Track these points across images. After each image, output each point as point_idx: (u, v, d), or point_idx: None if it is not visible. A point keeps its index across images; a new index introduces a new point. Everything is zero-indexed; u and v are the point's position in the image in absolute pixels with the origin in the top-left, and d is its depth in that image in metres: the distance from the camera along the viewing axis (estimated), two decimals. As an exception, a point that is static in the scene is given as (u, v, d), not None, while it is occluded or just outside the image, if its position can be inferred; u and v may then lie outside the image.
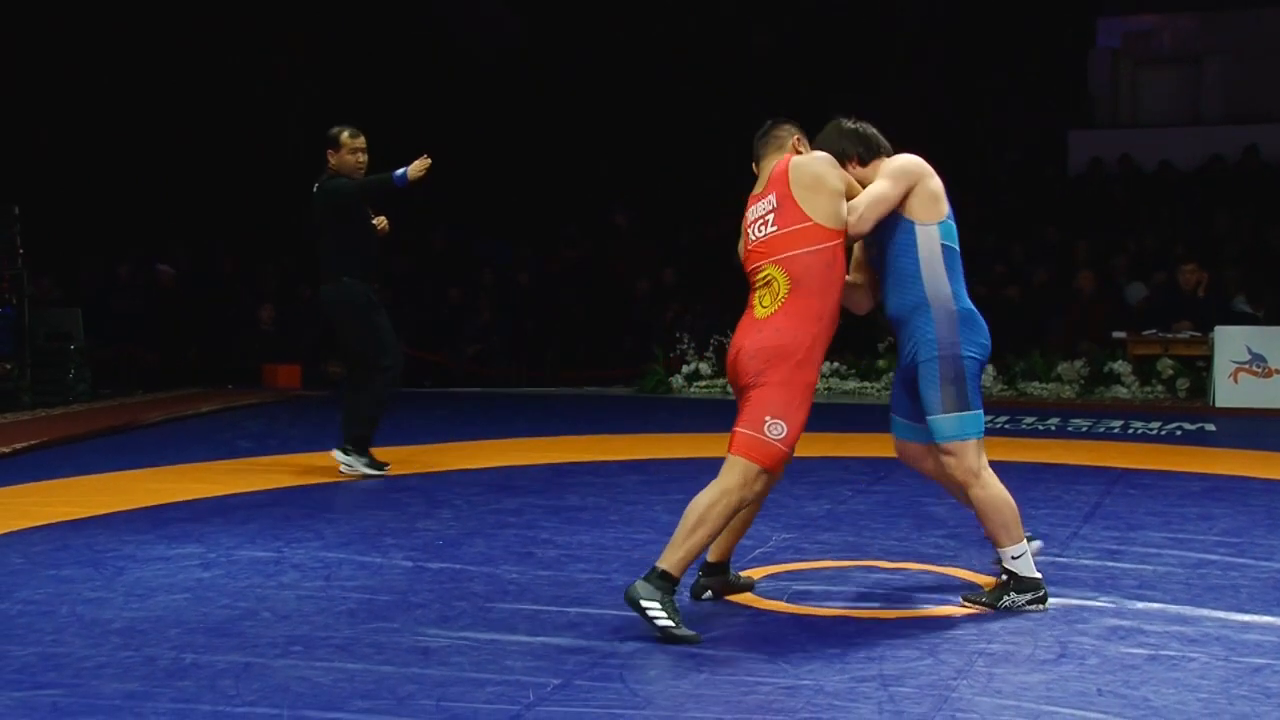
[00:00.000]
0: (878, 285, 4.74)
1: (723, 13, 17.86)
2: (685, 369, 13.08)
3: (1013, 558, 4.52)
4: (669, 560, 4.35)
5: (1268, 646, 4.13)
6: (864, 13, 17.73)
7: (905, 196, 4.52)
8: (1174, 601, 4.67)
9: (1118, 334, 12.40)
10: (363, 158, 7.49)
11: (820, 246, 4.43)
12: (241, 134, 16.64)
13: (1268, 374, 11.42)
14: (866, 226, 4.49)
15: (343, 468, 7.51)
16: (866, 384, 12.51)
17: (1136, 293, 13.19)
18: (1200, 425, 10.21)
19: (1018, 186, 16.76)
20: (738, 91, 17.69)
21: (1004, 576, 4.58)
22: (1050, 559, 5.32)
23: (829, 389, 12.18)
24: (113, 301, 14.20)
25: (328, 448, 7.89)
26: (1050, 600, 4.64)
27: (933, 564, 5.32)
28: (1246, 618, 4.47)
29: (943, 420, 4.49)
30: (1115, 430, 9.90)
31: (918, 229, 4.54)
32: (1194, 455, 8.61)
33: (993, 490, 4.50)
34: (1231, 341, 11.54)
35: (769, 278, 4.50)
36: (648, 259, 15.62)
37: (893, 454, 6.06)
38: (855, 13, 17.72)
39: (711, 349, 13.04)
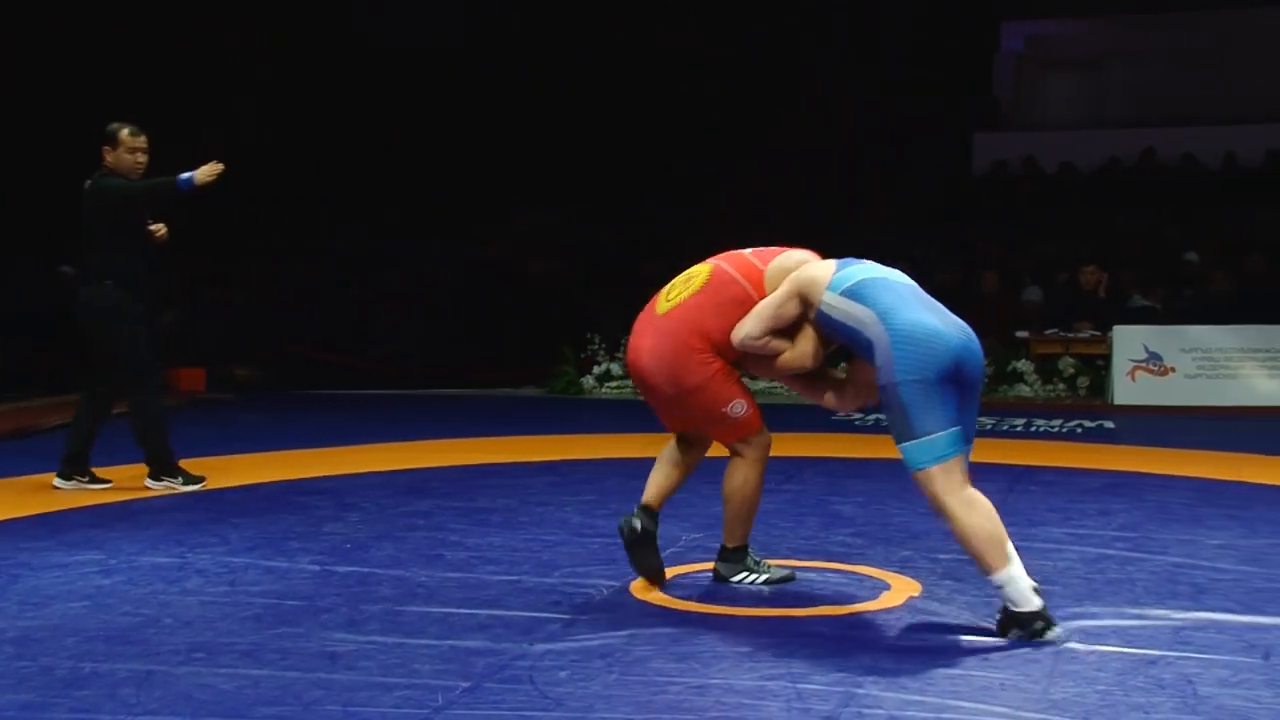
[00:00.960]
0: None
1: (633, 14, 17.90)
2: (596, 369, 13.11)
3: (997, 586, 4.21)
4: (731, 537, 4.94)
5: (1162, 639, 4.23)
6: (772, 17, 17.86)
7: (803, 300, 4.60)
8: (1073, 596, 4.76)
9: (1021, 333, 12.63)
10: (142, 158, 7.12)
11: (749, 284, 4.75)
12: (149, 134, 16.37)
13: (1163, 372, 11.71)
14: (747, 333, 4.62)
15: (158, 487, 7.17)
16: (775, 384, 12.60)
17: (1033, 295, 13.45)
18: (1100, 422, 10.43)
19: (924, 187, 17.01)
20: (650, 92, 17.76)
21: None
22: (955, 555, 5.40)
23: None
24: (11, 303, 13.89)
25: (233, 451, 7.80)
26: (957, 597, 4.71)
27: (841, 562, 5.37)
28: (1142, 611, 4.57)
29: (902, 450, 4.29)
30: (1018, 428, 10.07)
31: (824, 306, 4.52)
32: (1093, 452, 8.79)
33: (960, 520, 4.18)
34: (1129, 340, 11.81)
35: (693, 274, 4.88)
36: (558, 259, 15.62)
37: (801, 453, 6.11)
38: (765, 16, 17.85)
39: (622, 349, 13.07)
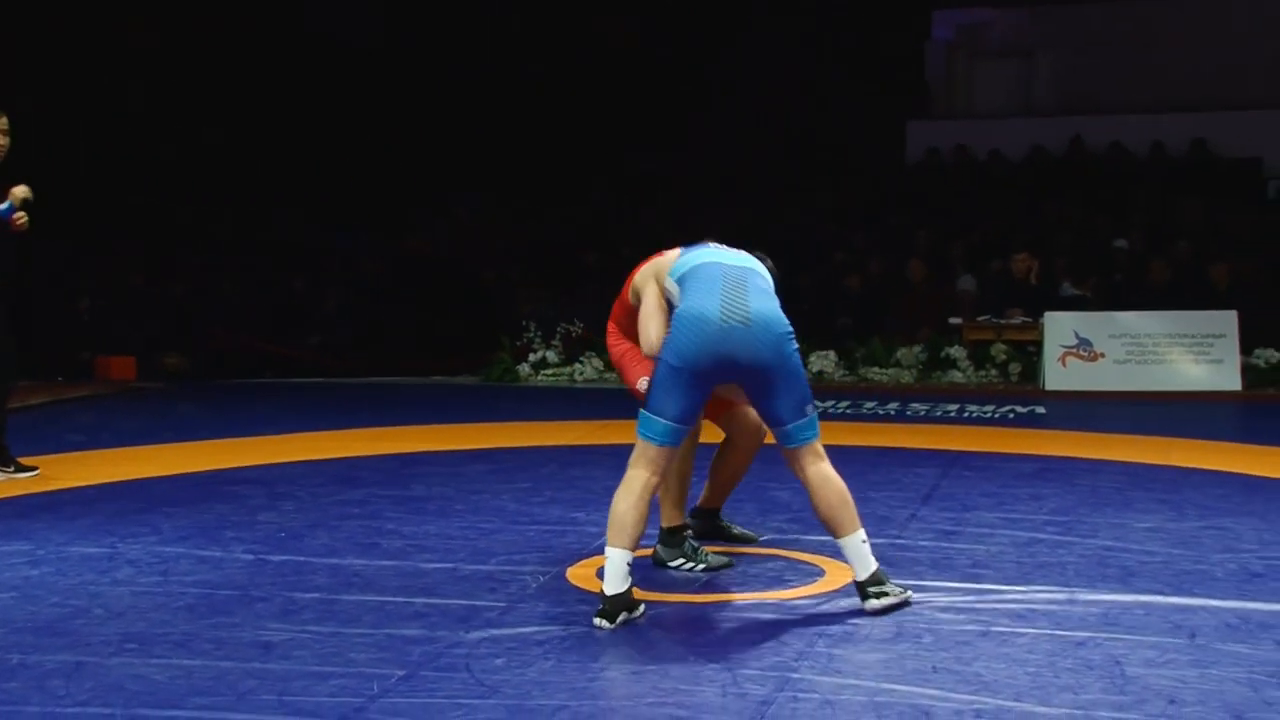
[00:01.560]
0: None
1: (571, 6, 17.85)
2: (532, 357, 13.07)
3: (628, 565, 4.33)
4: (663, 517, 5.08)
5: (1091, 621, 4.29)
6: (706, 6, 17.88)
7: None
8: (1005, 580, 4.82)
9: (954, 320, 12.75)
10: (3, 140, 6.92)
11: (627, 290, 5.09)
12: (66, 116, 16.15)
13: (1093, 358, 11.85)
14: (648, 342, 4.65)
15: None
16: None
17: (966, 284, 13.58)
18: (1031, 408, 10.55)
19: (858, 176, 17.11)
20: (587, 80, 17.73)
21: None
22: (889, 540, 5.46)
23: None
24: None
25: (165, 440, 7.71)
26: (895, 582, 4.77)
27: (776, 548, 5.40)
28: (1072, 593, 4.64)
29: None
30: (952, 414, 10.16)
31: (666, 290, 4.68)
32: (1025, 437, 8.89)
33: (620, 490, 4.42)
34: (1060, 327, 11.94)
35: None
36: (494, 248, 15.58)
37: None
38: (699, 6, 17.86)
39: (558, 337, 13.05)
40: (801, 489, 6.56)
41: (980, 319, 12.60)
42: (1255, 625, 4.23)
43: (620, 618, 4.26)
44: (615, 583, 4.30)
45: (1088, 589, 4.70)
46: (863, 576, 4.43)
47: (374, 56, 17.53)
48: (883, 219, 15.74)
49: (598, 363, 12.73)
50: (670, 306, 4.64)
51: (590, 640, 4.11)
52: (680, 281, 4.58)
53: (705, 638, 4.13)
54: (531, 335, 13.20)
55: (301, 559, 5.21)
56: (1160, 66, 17.73)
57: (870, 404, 10.78)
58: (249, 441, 8.56)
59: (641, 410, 4.45)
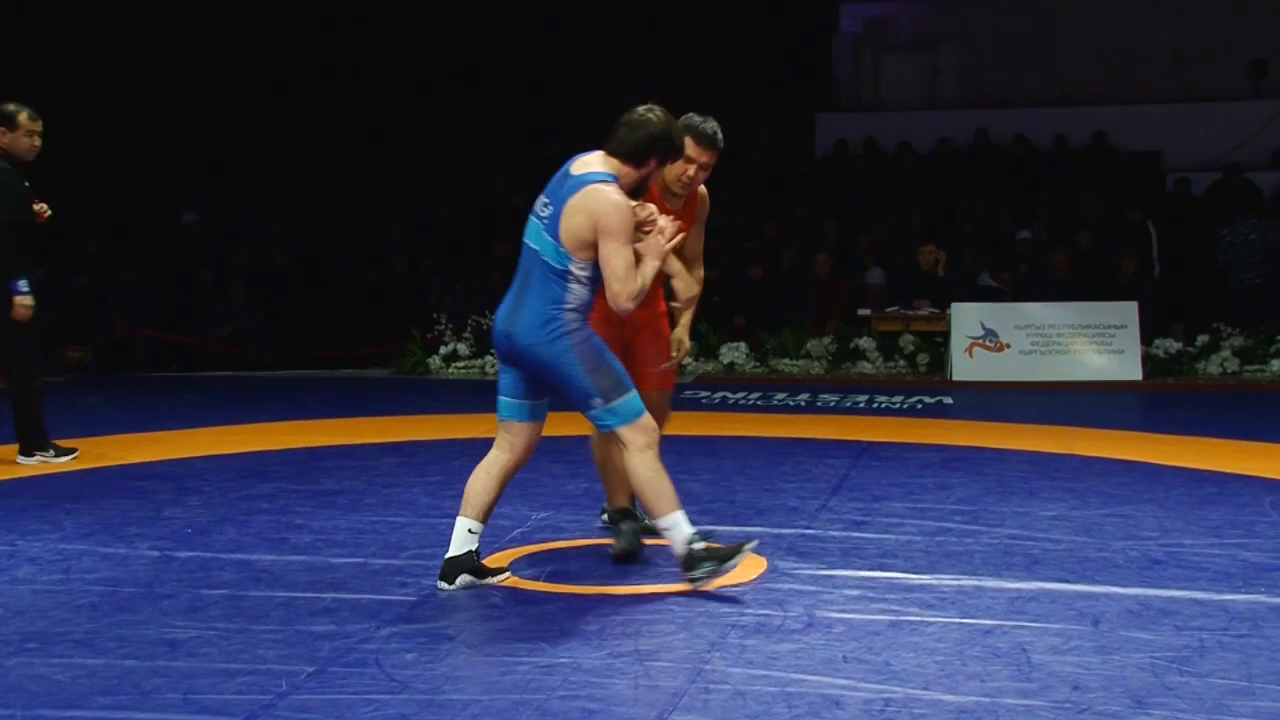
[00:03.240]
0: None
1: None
2: (443, 350, 12.99)
3: (469, 531, 4.65)
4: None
5: (998, 609, 4.36)
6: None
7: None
8: (914, 569, 4.88)
9: (863, 311, 12.87)
10: (38, 142, 7.25)
11: None
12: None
13: (999, 348, 12.03)
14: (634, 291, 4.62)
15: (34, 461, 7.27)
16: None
17: (875, 277, 13.71)
18: (939, 398, 10.69)
19: (768, 167, 17.19)
20: (491, 70, 17.64)
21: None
22: (799, 531, 5.50)
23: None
24: None
25: (68, 434, 7.57)
26: (801, 572, 4.80)
27: (687, 539, 5.41)
28: (979, 582, 4.70)
29: None
30: (861, 405, 10.26)
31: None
32: (933, 427, 9.00)
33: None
34: (967, 318, 12.10)
35: None
36: (402, 239, 15.46)
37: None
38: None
39: (469, 329, 12.97)
40: (712, 480, 6.66)
41: (889, 310, 12.74)
42: (1156, 611, 4.32)
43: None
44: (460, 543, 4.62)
45: (994, 577, 4.77)
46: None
47: (278, 43, 17.30)
48: (791, 211, 15.83)
49: (509, 355, 12.67)
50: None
51: (501, 634, 4.10)
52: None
53: (617, 630, 4.14)
54: (442, 327, 13.11)
55: (208, 555, 5.14)
56: (1062, 60, 18.05)
57: (781, 395, 10.85)
58: (154, 436, 8.42)
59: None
